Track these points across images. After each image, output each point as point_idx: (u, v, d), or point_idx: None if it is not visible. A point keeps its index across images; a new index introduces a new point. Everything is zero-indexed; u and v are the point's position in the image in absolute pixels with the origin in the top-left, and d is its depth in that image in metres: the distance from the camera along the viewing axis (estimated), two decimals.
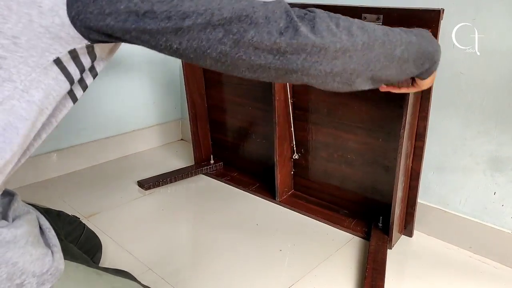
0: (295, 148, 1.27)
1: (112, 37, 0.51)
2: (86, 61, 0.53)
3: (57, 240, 0.62)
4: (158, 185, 1.40)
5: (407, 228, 1.13)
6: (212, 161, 1.50)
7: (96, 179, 1.46)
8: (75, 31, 0.48)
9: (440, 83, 0.99)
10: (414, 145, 1.03)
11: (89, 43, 0.51)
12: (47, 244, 0.60)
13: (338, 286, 0.95)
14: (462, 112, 1.01)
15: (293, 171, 1.31)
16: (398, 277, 0.99)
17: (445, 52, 0.96)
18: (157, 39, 0.50)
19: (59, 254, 0.60)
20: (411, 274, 1.00)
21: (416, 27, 0.89)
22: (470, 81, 0.98)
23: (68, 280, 0.63)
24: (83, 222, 0.98)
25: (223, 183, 1.43)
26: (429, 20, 0.88)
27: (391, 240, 1.07)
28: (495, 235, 1.03)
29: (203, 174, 1.48)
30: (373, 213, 1.16)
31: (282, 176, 1.27)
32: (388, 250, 1.07)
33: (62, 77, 0.51)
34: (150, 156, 1.66)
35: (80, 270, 0.67)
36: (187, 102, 1.43)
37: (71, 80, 0.53)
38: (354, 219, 1.17)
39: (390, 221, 1.05)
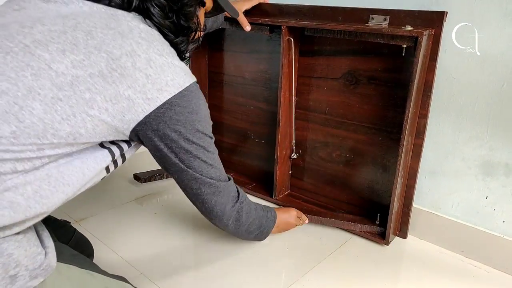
0: (294, 148, 1.27)
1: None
2: (124, 145, 0.73)
3: (51, 240, 0.65)
4: (155, 179, 1.40)
5: (402, 230, 1.14)
6: None
7: None
8: (128, 133, 0.67)
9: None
10: (414, 142, 1.05)
11: (127, 138, 0.70)
12: (41, 245, 0.63)
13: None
14: (454, 117, 1.03)
15: (291, 171, 1.32)
16: (391, 280, 0.99)
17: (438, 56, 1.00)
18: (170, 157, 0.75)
19: (51, 253, 0.63)
20: (404, 277, 1.01)
21: (421, 27, 0.94)
22: (462, 86, 1.00)
23: (61, 276, 0.65)
24: (74, 226, 0.97)
25: None
26: (433, 21, 0.93)
27: (388, 235, 1.08)
28: (487, 239, 1.04)
29: None
30: (370, 212, 1.17)
31: (281, 174, 1.27)
32: (384, 249, 1.08)
33: (106, 152, 0.69)
34: (142, 159, 1.62)
35: (73, 271, 0.68)
36: None
37: (112, 154, 0.70)
38: (351, 219, 1.18)
39: (389, 216, 1.06)
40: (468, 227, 1.07)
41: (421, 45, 0.90)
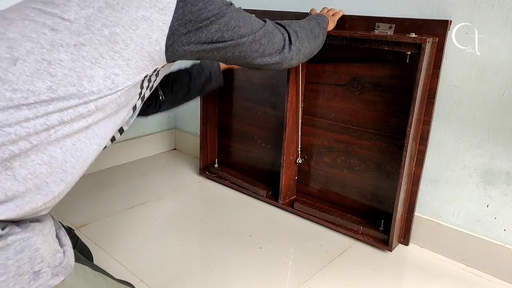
0: (299, 153, 1.29)
1: (186, 57, 0.71)
2: (154, 78, 0.72)
3: (68, 239, 0.67)
4: None
5: (405, 237, 1.14)
6: (216, 165, 1.51)
7: (88, 188, 1.43)
8: (164, 55, 0.66)
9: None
10: (418, 148, 1.07)
11: (166, 63, 0.69)
12: (60, 244, 0.64)
13: None
14: (455, 125, 1.05)
15: (296, 177, 1.33)
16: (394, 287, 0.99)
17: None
18: (219, 53, 0.75)
19: (69, 251, 0.64)
20: (405, 286, 1.01)
21: (426, 35, 0.98)
22: (463, 94, 1.02)
23: (78, 276, 0.66)
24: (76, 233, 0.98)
25: (226, 187, 1.44)
26: (438, 29, 0.97)
27: (392, 242, 1.08)
28: (488, 248, 1.04)
29: (206, 178, 1.50)
30: (373, 218, 1.18)
31: (286, 178, 1.29)
32: (386, 256, 1.08)
33: (138, 90, 0.68)
34: (143, 165, 1.64)
35: (87, 272, 0.70)
36: (200, 104, 1.46)
37: (140, 93, 0.70)
38: (355, 221, 1.18)
39: (392, 222, 1.07)
40: (469, 236, 1.07)
41: (424, 51, 0.93)
